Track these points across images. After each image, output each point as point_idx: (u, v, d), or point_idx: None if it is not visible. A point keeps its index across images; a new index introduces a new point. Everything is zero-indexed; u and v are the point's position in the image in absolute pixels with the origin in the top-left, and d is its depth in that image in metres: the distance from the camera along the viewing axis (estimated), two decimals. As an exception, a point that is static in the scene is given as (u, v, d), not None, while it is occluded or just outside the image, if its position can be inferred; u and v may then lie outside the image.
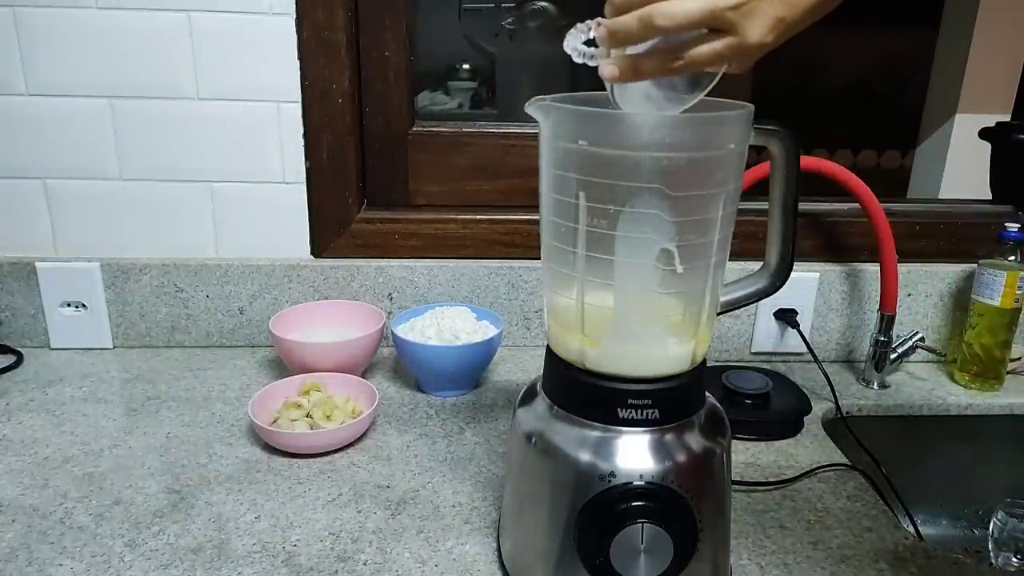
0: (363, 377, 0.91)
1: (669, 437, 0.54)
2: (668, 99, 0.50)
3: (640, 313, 0.54)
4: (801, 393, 0.91)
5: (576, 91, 0.57)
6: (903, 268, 0.97)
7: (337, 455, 0.78)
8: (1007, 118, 1.40)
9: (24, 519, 0.67)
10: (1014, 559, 0.84)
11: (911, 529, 0.78)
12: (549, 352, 0.58)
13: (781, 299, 1.00)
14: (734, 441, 0.82)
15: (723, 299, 0.60)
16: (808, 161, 0.89)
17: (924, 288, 1.03)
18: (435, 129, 1.03)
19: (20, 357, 0.98)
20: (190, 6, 0.91)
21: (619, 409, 0.53)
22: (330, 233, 1.01)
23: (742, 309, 0.85)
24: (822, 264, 1.02)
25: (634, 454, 0.53)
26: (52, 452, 0.77)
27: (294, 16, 0.92)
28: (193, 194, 0.98)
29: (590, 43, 0.49)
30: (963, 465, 0.97)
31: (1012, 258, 0.92)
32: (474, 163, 1.04)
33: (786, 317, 1.01)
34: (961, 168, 1.44)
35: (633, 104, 0.51)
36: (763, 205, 0.59)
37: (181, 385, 0.92)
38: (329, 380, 0.86)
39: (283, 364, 0.93)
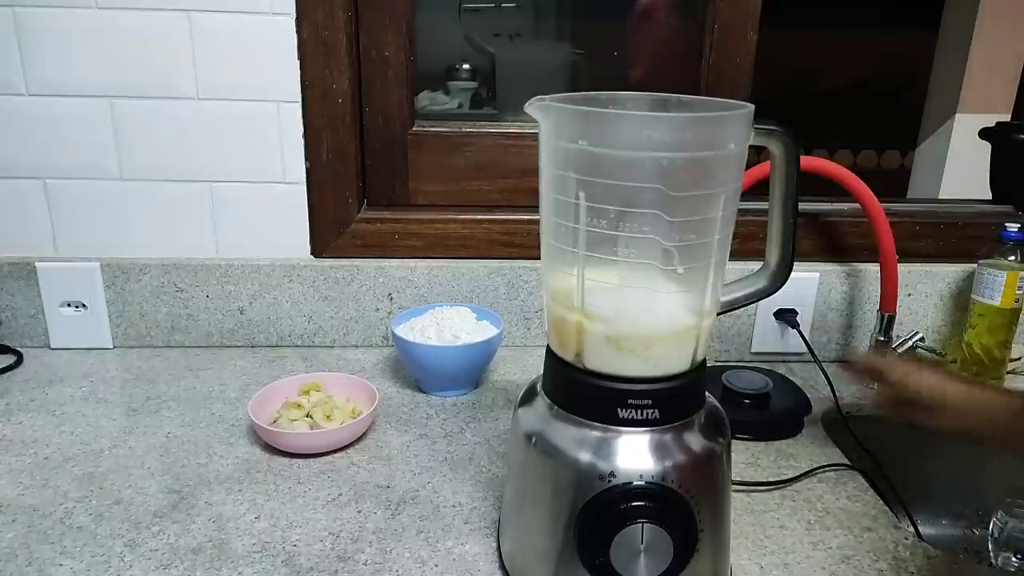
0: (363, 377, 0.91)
1: (669, 437, 0.54)
2: None
3: (640, 313, 0.54)
4: (801, 393, 0.91)
5: (576, 91, 0.57)
6: (903, 268, 0.97)
7: (337, 455, 0.78)
8: (1007, 118, 1.40)
9: (24, 519, 0.67)
10: (1014, 559, 0.84)
11: (911, 529, 0.78)
12: (549, 352, 0.58)
13: (781, 299, 1.00)
14: (734, 441, 0.82)
15: (723, 299, 0.60)
16: (808, 161, 0.89)
17: (924, 288, 1.03)
18: (435, 129, 1.03)
19: (20, 357, 0.98)
20: (190, 6, 0.91)
21: (619, 409, 0.53)
22: (330, 233, 1.01)
23: (742, 309, 0.85)
24: (822, 264, 1.02)
25: (634, 454, 0.53)
26: (52, 452, 0.77)
27: (294, 16, 0.92)
28: (193, 194, 0.98)
29: None
30: (963, 465, 0.97)
31: (1012, 258, 0.92)
32: (474, 163, 1.04)
33: (786, 317, 1.01)
34: (961, 168, 1.44)
35: None
36: (763, 205, 0.59)
37: (181, 385, 0.92)
38: (329, 380, 0.86)
39: (283, 364, 0.93)
